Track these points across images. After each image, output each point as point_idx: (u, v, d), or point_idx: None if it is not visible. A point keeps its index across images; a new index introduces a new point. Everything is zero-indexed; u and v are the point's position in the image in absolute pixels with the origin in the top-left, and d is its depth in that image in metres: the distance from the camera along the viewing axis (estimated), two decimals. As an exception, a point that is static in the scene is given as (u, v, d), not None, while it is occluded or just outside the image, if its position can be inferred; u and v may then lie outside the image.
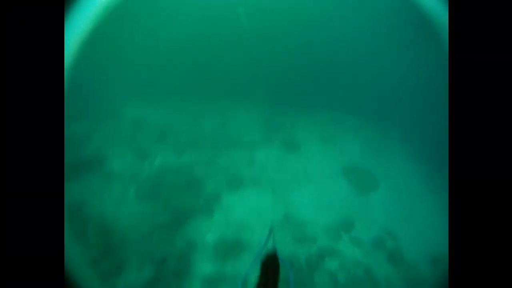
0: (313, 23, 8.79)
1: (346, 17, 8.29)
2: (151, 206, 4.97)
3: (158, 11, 8.64)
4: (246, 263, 4.60)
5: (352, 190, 6.35)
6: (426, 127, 6.40)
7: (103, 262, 3.73)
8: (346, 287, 4.29)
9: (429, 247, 4.96)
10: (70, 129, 4.23)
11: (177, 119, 7.15)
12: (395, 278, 4.51)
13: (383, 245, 4.94)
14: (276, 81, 8.21)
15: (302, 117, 8.00)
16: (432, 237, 5.11)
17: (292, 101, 8.16)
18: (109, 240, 4.07)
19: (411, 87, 7.46)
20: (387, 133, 7.46)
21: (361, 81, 7.69)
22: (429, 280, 4.50)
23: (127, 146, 6.00)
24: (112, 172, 5.32)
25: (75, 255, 3.66)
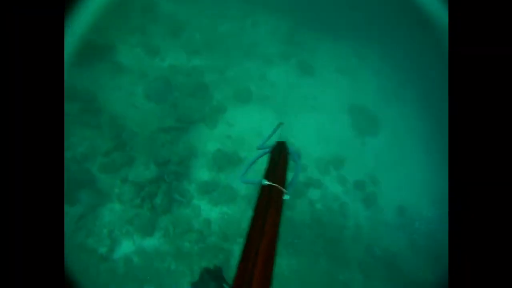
0: None
1: None
2: (158, 108, 5.08)
3: None
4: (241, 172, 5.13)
5: (353, 130, 6.48)
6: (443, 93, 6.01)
7: (115, 154, 4.10)
8: (319, 214, 4.99)
9: (401, 199, 5.52)
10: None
11: (192, 15, 6.42)
12: (362, 216, 5.21)
13: (363, 188, 5.46)
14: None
15: (324, 41, 7.29)
16: (408, 192, 5.62)
17: (318, 21, 7.23)
18: (120, 136, 4.34)
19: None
20: (406, 84, 7.03)
21: (395, 24, 6.62)
22: (390, 223, 5.25)
23: (137, 36, 5.58)
24: (121, 65, 5.15)
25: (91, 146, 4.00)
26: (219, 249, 3.96)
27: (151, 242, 3.77)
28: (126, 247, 3.68)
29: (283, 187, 1.20)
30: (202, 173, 4.80)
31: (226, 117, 5.74)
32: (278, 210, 1.13)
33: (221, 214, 4.37)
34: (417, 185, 5.73)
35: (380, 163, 5.90)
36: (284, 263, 4.13)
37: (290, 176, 1.34)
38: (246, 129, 5.73)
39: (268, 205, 1.11)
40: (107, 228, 3.61)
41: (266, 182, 1.17)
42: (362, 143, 6.32)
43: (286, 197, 1.21)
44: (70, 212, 3.44)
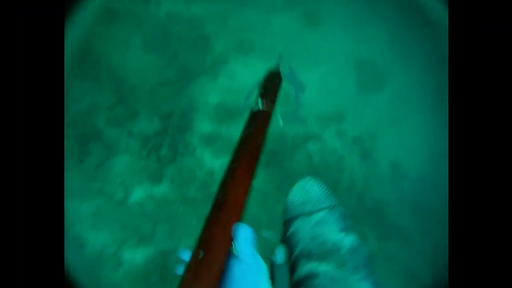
0: None
1: None
2: (157, 60, 4.97)
3: None
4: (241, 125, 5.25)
5: (357, 85, 6.37)
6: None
7: (118, 108, 4.18)
8: (317, 168, 5.22)
9: (395, 155, 5.67)
10: None
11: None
12: (358, 170, 5.45)
13: (361, 144, 5.60)
14: None
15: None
16: (404, 150, 5.75)
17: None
18: (121, 89, 4.34)
19: None
20: (416, 40, 6.64)
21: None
22: (383, 177, 5.50)
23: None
24: (113, 10, 4.87)
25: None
26: (221, 197, 4.26)
27: (160, 190, 4.10)
28: (138, 194, 4.04)
29: (271, 110, 1.19)
30: (204, 125, 4.91)
31: (228, 68, 5.64)
32: (262, 131, 1.09)
33: (222, 165, 4.59)
34: (414, 143, 5.84)
35: (381, 120, 5.94)
36: (279, 208, 4.45)
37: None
38: (248, 81, 5.63)
39: (253, 126, 1.09)
40: (119, 178, 3.90)
41: (257, 105, 1.17)
42: (365, 99, 6.27)
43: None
44: (85, 162, 3.70)
